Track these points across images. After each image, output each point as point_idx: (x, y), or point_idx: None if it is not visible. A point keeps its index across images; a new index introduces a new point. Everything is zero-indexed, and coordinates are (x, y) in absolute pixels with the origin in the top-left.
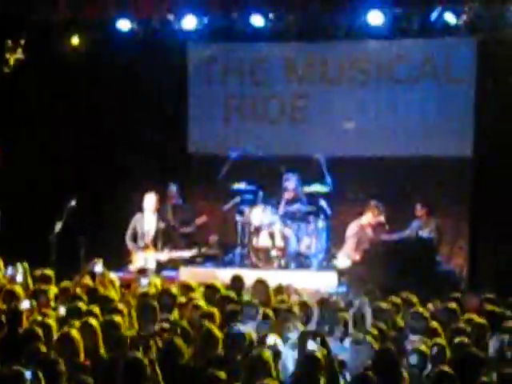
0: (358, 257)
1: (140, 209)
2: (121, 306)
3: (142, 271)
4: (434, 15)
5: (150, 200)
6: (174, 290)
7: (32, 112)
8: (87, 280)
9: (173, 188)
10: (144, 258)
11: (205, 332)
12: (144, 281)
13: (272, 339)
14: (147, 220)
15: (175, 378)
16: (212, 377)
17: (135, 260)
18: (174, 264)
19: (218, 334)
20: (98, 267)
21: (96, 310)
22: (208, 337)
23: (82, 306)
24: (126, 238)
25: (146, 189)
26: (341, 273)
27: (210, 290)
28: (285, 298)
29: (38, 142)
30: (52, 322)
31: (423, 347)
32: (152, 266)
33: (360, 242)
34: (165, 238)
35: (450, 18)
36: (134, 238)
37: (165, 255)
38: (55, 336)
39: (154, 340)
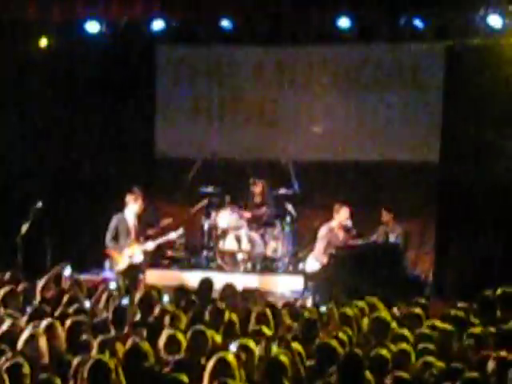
0: (325, 260)
1: (118, 209)
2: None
3: (134, 267)
4: (402, 20)
5: (128, 199)
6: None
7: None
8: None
9: (136, 191)
10: (129, 255)
11: (168, 336)
12: (112, 284)
13: (235, 345)
14: (129, 218)
15: (139, 381)
16: (174, 380)
17: (119, 260)
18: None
19: (181, 337)
20: (67, 270)
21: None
22: (171, 340)
23: (47, 308)
24: (107, 240)
25: (113, 191)
26: (307, 277)
27: (178, 292)
28: (252, 303)
29: (3, 144)
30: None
31: (384, 352)
32: (140, 259)
33: (329, 245)
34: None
35: (418, 23)
36: (116, 239)
37: (150, 245)
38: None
39: (120, 343)
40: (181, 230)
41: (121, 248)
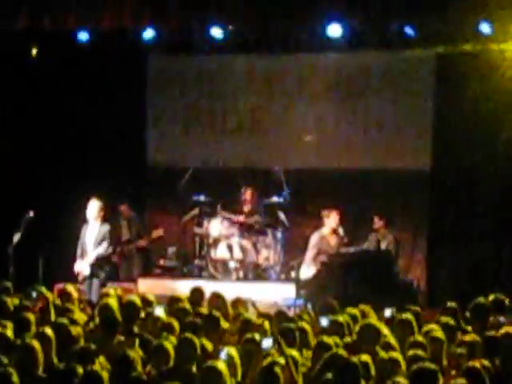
0: (316, 268)
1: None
2: (78, 316)
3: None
4: (393, 28)
5: (93, 207)
6: (138, 301)
7: None
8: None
9: (125, 203)
10: (81, 267)
11: (156, 344)
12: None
13: (225, 352)
14: (90, 228)
15: None
16: None
17: (77, 271)
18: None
19: (169, 346)
20: None
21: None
22: (159, 349)
23: (31, 316)
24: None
25: (105, 201)
26: (299, 285)
27: (172, 301)
28: (242, 311)
29: None
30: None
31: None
32: (86, 272)
33: (320, 252)
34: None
35: (409, 31)
36: (81, 249)
37: (91, 255)
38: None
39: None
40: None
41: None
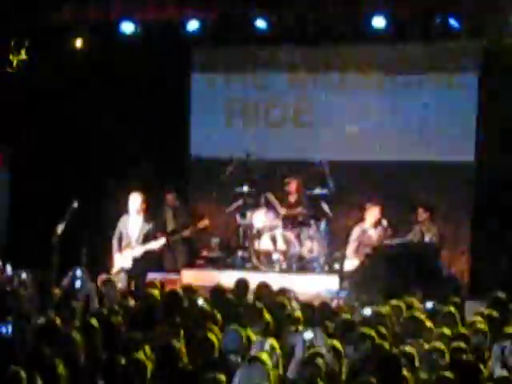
0: (359, 261)
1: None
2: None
3: (117, 272)
4: (437, 20)
5: (135, 200)
6: (181, 292)
7: (34, 114)
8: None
9: (172, 191)
10: (121, 259)
11: (201, 335)
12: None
13: (268, 343)
14: (132, 222)
15: (173, 381)
16: (213, 380)
17: (115, 263)
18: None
19: (214, 337)
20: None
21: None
22: (204, 340)
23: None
24: (113, 241)
25: (149, 191)
26: (343, 276)
27: (215, 292)
28: (286, 303)
29: (40, 144)
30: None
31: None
32: (128, 265)
33: (361, 246)
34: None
35: (453, 22)
36: (120, 241)
37: (138, 250)
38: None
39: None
40: (163, 240)
41: (117, 251)
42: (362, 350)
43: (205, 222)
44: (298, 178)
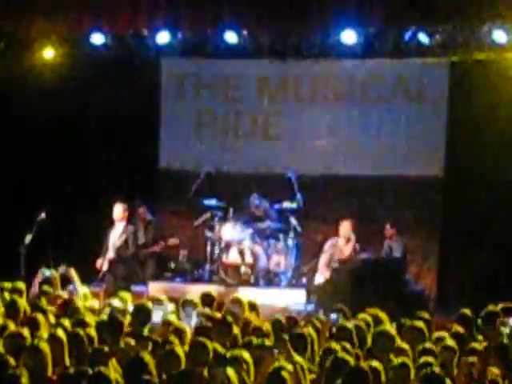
0: (328, 274)
1: (111, 222)
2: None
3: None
4: (407, 35)
5: (118, 210)
6: (148, 305)
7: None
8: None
9: (141, 204)
10: (101, 263)
11: (167, 349)
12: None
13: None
14: (116, 229)
15: None
16: None
17: (98, 267)
18: None
19: (180, 351)
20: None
21: (65, 322)
22: (170, 353)
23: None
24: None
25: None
26: (310, 291)
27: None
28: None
29: (8, 152)
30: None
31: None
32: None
33: (332, 259)
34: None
35: (423, 38)
36: (105, 248)
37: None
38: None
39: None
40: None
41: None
42: (326, 365)
43: (175, 241)
44: (267, 191)
